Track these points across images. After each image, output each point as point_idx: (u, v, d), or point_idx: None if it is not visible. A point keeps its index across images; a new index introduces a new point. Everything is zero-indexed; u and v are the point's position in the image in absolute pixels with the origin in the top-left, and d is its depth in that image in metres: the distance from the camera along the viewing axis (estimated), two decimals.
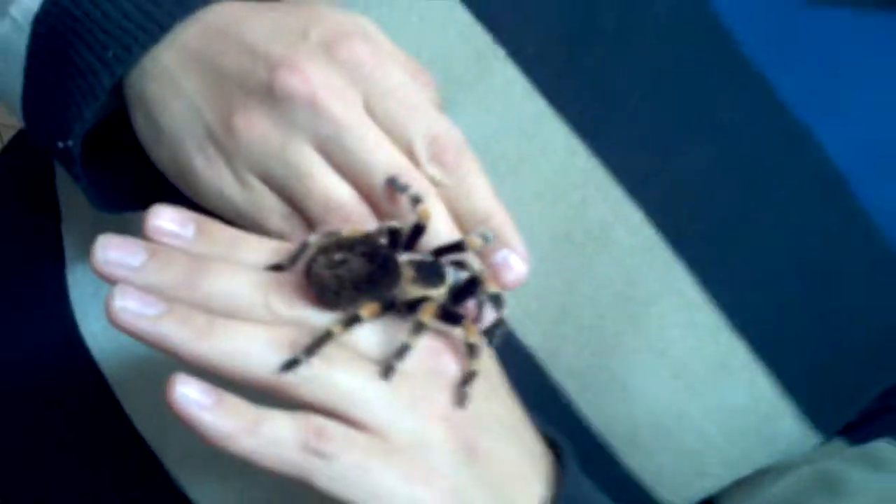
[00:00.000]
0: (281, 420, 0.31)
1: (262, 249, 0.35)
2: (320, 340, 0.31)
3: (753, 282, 0.43)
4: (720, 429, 0.44)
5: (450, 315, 0.34)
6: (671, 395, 0.43)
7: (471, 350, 0.33)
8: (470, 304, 0.35)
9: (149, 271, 0.32)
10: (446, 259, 0.35)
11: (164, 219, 0.34)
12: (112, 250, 0.33)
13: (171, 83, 0.38)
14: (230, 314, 0.32)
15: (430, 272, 0.34)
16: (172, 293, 0.32)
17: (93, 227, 0.49)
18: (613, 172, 0.43)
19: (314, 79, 0.35)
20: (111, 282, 0.32)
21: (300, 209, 0.36)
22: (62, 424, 0.51)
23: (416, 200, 0.35)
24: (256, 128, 0.36)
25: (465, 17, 0.45)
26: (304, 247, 0.33)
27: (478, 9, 0.45)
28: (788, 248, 0.43)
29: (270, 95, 0.35)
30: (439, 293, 0.34)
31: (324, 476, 0.31)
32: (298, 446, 0.31)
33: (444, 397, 0.33)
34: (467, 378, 0.33)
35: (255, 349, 0.31)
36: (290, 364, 0.31)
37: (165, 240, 0.34)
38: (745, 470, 0.45)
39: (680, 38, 0.44)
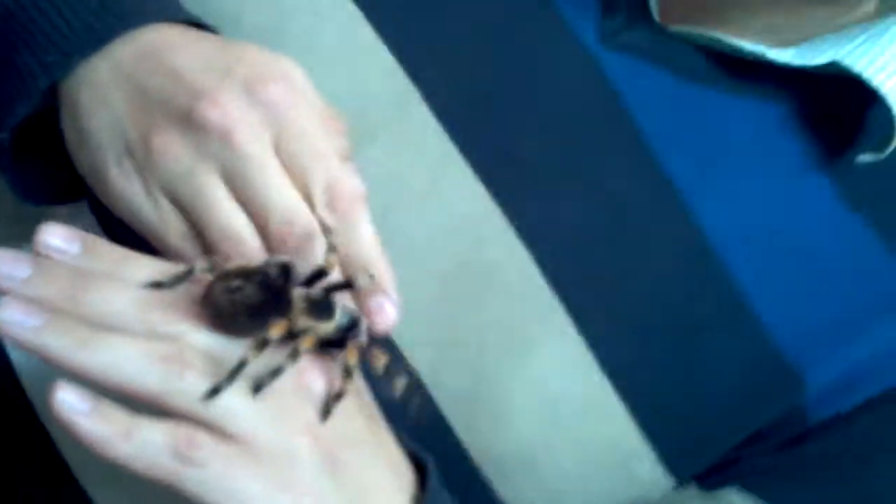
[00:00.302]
0: (154, 427, 0.33)
1: (148, 269, 0.36)
2: (239, 367, 0.33)
3: (625, 331, 0.47)
4: (584, 465, 0.47)
5: (331, 343, 0.36)
6: (540, 428, 0.46)
7: (346, 372, 0.36)
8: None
9: (34, 284, 0.34)
10: (337, 298, 0.38)
11: (52, 235, 0.36)
12: (0, 264, 0.35)
13: (101, 94, 0.40)
14: (111, 328, 0.34)
15: (321, 307, 0.37)
16: (57, 306, 0.34)
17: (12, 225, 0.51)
18: (509, 218, 0.47)
19: (231, 113, 0.37)
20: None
21: (200, 233, 0.39)
22: None
23: (331, 250, 0.37)
24: (171, 150, 0.38)
25: (388, 61, 0.48)
26: (189, 270, 0.35)
27: (400, 53, 0.48)
28: (658, 304, 0.47)
29: (188, 122, 0.38)
30: (326, 328, 0.37)
31: (192, 482, 0.33)
32: (169, 453, 0.33)
33: (310, 413, 0.36)
34: (336, 396, 0.36)
35: (131, 361, 0.33)
36: (213, 392, 0.33)
37: (53, 255, 0.36)
38: None
39: (581, 110, 0.48)
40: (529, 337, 0.46)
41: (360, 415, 0.39)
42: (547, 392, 0.46)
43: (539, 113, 0.48)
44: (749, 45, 0.47)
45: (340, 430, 0.36)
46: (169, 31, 0.41)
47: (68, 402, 0.32)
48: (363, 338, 0.37)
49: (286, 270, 0.37)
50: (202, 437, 0.33)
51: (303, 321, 0.36)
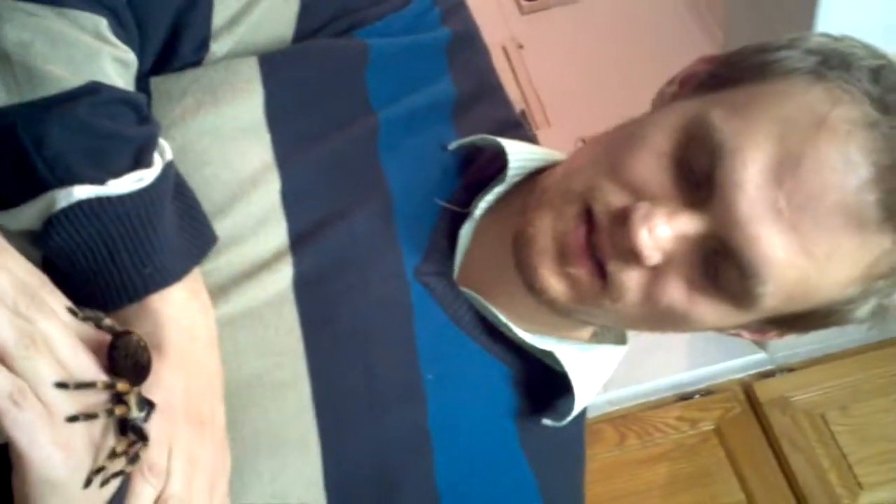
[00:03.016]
0: (3, 373, 0.46)
1: None
2: (89, 384, 0.48)
3: (349, 464, 0.63)
4: None
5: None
6: None
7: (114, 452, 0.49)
8: None
9: None
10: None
11: None
12: None
13: None
14: None
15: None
16: None
17: None
18: (308, 356, 0.63)
19: None
20: None
21: None
22: None
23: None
24: None
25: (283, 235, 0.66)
26: None
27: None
28: (378, 456, 0.64)
29: None
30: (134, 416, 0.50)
31: (9, 419, 0.45)
32: (7, 394, 0.45)
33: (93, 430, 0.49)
34: (98, 470, 0.49)
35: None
36: (82, 418, 0.47)
37: None
38: None
39: (386, 309, 0.66)
40: (287, 440, 0.62)
41: None
42: (280, 483, 0.61)
43: (359, 299, 0.66)
44: (504, 319, 0.67)
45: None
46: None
47: None
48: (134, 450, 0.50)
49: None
50: (29, 393, 0.46)
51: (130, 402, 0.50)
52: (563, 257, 0.61)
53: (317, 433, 0.63)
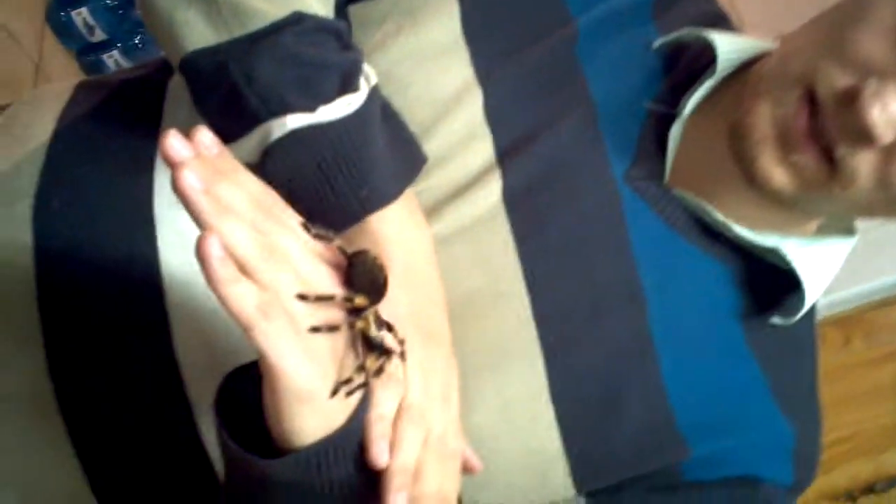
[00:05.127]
0: (250, 285, 0.45)
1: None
2: (328, 297, 0.49)
3: (574, 376, 0.63)
4: (515, 460, 0.63)
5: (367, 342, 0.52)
6: (494, 423, 0.62)
7: (360, 368, 0.51)
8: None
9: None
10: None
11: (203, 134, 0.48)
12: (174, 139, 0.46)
13: None
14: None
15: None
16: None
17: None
18: (523, 270, 0.63)
19: None
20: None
21: None
22: (109, 317, 0.62)
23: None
24: None
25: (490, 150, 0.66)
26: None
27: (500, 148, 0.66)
28: (603, 365, 0.63)
29: None
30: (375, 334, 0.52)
31: (258, 330, 0.45)
32: (255, 304, 0.45)
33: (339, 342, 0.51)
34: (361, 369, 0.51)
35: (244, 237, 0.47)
36: (324, 329, 0.48)
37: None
38: (519, 495, 0.64)
39: (597, 216, 0.65)
40: (509, 353, 0.63)
41: None
42: (507, 401, 0.62)
43: (571, 208, 0.65)
44: (722, 218, 0.65)
45: None
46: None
47: (212, 248, 0.44)
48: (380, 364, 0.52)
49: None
50: (276, 304, 0.46)
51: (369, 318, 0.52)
52: (785, 145, 0.58)
53: (538, 344, 0.63)
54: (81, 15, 2.19)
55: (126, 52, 2.28)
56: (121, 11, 2.22)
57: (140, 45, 2.29)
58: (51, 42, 2.22)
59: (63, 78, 2.05)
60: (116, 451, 0.62)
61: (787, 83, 0.58)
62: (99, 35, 2.24)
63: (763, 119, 0.59)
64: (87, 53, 2.27)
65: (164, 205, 0.64)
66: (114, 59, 2.27)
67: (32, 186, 0.65)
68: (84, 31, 2.21)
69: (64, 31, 2.22)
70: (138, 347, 0.62)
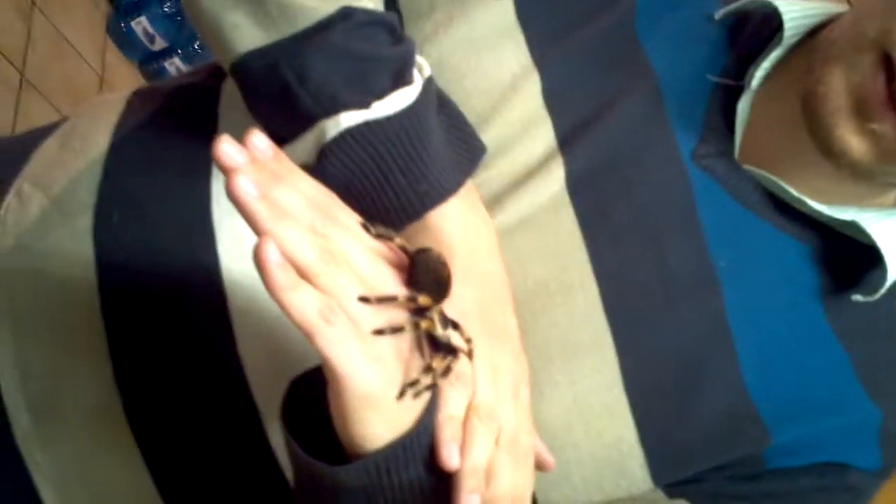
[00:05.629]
0: (311, 290, 0.44)
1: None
2: (389, 298, 0.48)
3: (648, 365, 0.61)
4: (590, 451, 0.61)
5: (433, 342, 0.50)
6: (567, 416, 0.60)
7: (428, 368, 0.49)
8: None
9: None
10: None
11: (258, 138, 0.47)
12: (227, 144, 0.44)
13: None
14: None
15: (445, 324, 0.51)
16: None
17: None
18: (591, 257, 0.61)
19: None
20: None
21: None
22: (173, 327, 0.62)
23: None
24: None
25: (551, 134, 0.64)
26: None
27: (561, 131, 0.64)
28: (678, 353, 0.61)
29: None
30: (441, 332, 0.50)
31: (320, 335, 0.44)
32: (316, 311, 0.44)
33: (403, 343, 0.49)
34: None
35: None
36: (388, 331, 0.47)
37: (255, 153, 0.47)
38: (595, 490, 0.62)
39: (667, 200, 0.63)
40: (580, 345, 0.61)
41: None
42: (579, 392, 0.60)
43: (638, 191, 0.63)
44: (796, 194, 0.62)
45: None
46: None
47: (270, 253, 0.43)
48: (447, 364, 0.50)
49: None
50: (338, 309, 0.45)
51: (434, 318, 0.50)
52: (862, 113, 0.55)
53: (610, 333, 0.61)
54: (141, 24, 2.23)
55: (186, 58, 2.31)
56: (179, 18, 2.25)
57: (199, 51, 2.32)
58: (113, 54, 2.27)
59: (127, 89, 2.08)
60: (185, 459, 0.62)
61: (861, 47, 0.55)
62: (160, 43, 2.28)
63: (837, 87, 0.56)
64: (149, 62, 2.31)
65: (222, 212, 0.63)
66: (175, 66, 2.30)
67: (92, 199, 0.65)
68: (145, 40, 2.25)
69: (125, 41, 2.26)
70: (203, 355, 0.61)
